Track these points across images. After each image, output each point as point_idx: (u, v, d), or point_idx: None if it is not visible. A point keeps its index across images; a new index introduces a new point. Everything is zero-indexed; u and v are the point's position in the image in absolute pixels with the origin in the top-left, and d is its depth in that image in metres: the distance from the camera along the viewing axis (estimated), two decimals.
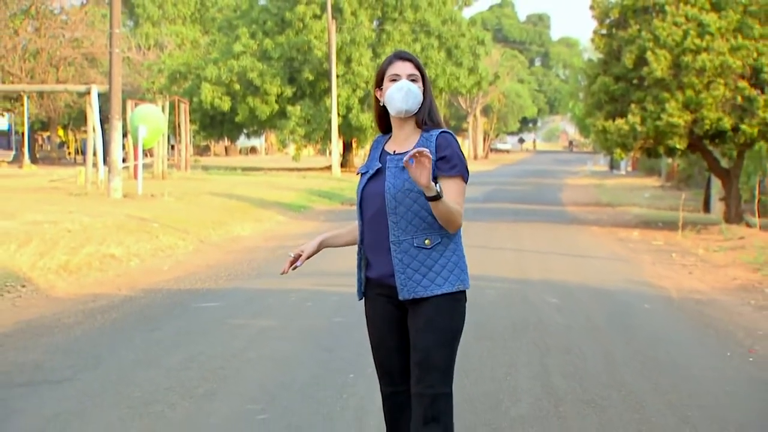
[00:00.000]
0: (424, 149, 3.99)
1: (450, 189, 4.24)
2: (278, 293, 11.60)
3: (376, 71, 4.45)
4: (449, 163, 4.27)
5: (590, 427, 6.33)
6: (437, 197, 4.13)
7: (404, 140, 4.38)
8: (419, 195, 4.21)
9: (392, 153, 4.37)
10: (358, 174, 4.50)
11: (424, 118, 4.38)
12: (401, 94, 4.26)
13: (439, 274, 4.29)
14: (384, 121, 4.48)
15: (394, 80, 4.32)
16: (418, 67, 4.37)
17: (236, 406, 6.74)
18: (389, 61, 4.40)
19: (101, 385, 7.25)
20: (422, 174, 4.02)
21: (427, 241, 4.26)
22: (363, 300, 4.54)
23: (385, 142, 4.48)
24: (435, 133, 4.35)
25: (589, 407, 6.83)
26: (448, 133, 4.34)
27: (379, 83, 4.41)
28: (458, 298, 4.36)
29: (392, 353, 4.43)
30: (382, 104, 4.40)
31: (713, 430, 6.33)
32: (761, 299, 12.26)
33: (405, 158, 4.05)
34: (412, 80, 4.32)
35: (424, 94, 4.35)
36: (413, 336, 4.33)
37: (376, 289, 4.43)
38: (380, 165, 4.37)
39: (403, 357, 4.40)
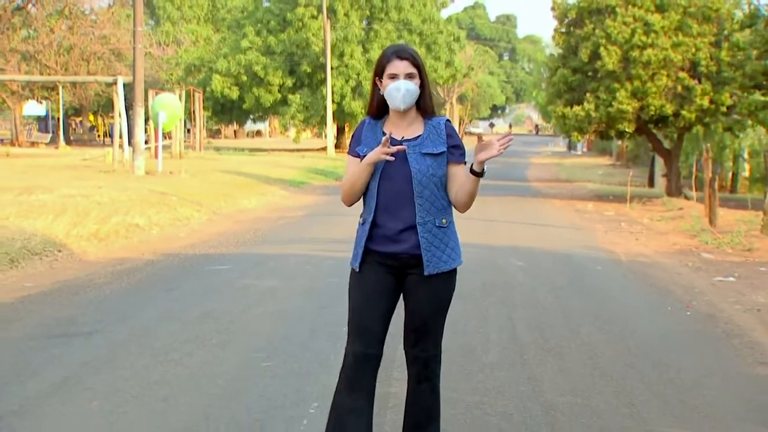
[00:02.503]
0: (510, 137, 3.96)
1: (462, 173, 4.18)
2: (281, 257, 11.60)
3: (377, 62, 4.21)
4: (460, 150, 4.19)
5: (550, 372, 6.35)
6: (483, 174, 4.09)
7: (407, 126, 4.20)
8: (440, 180, 4.13)
9: (400, 138, 4.15)
10: (358, 155, 4.19)
11: (428, 108, 4.22)
12: (400, 95, 4.09)
13: (454, 250, 4.21)
14: (383, 107, 4.24)
15: (393, 78, 4.12)
16: (415, 63, 4.15)
17: (244, 354, 6.75)
18: (388, 59, 4.16)
19: (127, 337, 7.25)
20: (491, 153, 3.98)
21: (444, 221, 4.16)
22: (353, 271, 4.24)
23: (381, 126, 4.26)
24: (440, 121, 4.23)
25: (549, 355, 6.85)
26: (449, 121, 4.27)
27: (379, 74, 4.19)
28: (455, 273, 4.28)
29: (378, 318, 4.17)
30: (382, 93, 4.18)
31: (655, 374, 6.37)
32: (697, 261, 12.31)
33: (500, 139, 3.94)
34: (410, 77, 4.12)
35: (422, 86, 4.17)
36: (413, 304, 4.21)
37: (381, 260, 4.16)
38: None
39: (384, 323, 4.20)
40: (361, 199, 4.28)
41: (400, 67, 4.12)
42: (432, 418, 4.26)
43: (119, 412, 5.34)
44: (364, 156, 4.13)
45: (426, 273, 4.14)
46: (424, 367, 4.23)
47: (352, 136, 4.29)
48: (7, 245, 11.16)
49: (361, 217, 4.26)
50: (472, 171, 4.11)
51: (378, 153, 4.03)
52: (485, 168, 4.08)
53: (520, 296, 9.31)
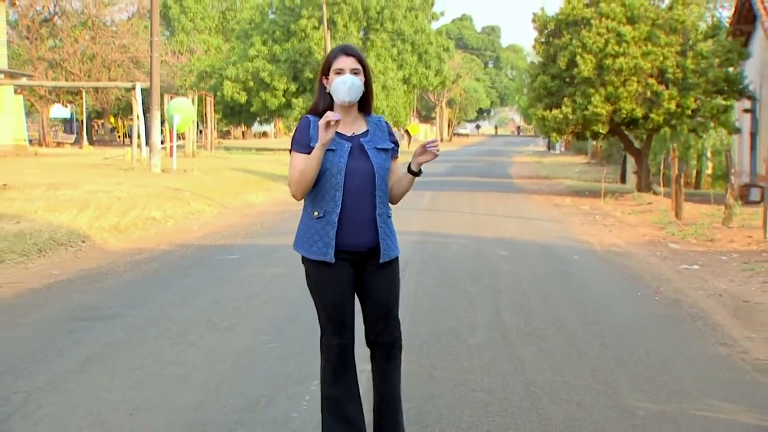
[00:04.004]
0: (436, 141, 4.00)
1: (398, 169, 4.16)
2: (285, 247, 11.52)
3: (324, 61, 4.07)
4: (397, 147, 4.14)
5: (531, 353, 6.36)
6: (420, 174, 4.10)
7: (351, 123, 4.05)
8: (388, 173, 4.06)
9: (350, 134, 4.01)
10: (308, 152, 3.91)
11: (369, 107, 4.11)
12: (345, 87, 3.93)
13: (396, 240, 4.14)
14: (329, 105, 4.02)
15: (339, 73, 3.97)
16: (360, 60, 3.99)
17: (251, 337, 6.75)
18: (335, 55, 4.00)
19: (145, 320, 7.25)
20: (428, 157, 4.01)
21: (390, 212, 4.11)
22: (314, 265, 4.02)
23: None
24: (380, 119, 4.15)
25: (530, 337, 6.86)
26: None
27: (325, 72, 4.04)
28: (398, 260, 4.19)
29: (351, 310, 4.04)
30: (328, 91, 4.03)
31: (626, 353, 6.37)
32: (665, 251, 12.32)
33: (432, 145, 3.98)
34: (355, 73, 3.98)
35: (366, 84, 4.01)
36: (376, 294, 4.07)
37: (342, 255, 3.97)
38: (351, 144, 3.98)
39: (353, 313, 4.07)
40: (309, 194, 4.03)
41: (346, 62, 3.98)
42: (398, 393, 4.19)
43: (138, 388, 5.34)
44: (330, 150, 3.95)
45: (381, 261, 4.02)
46: (391, 348, 4.13)
47: (297, 134, 3.99)
48: (35, 236, 11.15)
49: (312, 211, 4.01)
50: (410, 171, 4.08)
51: (321, 129, 3.81)
52: (422, 168, 4.10)
53: (504, 283, 9.31)
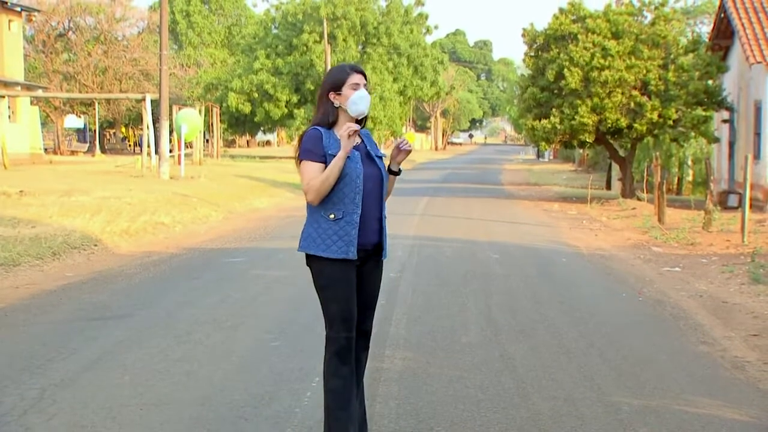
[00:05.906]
0: (403, 139, 4.11)
1: None
2: (288, 251, 11.55)
3: (332, 78, 4.07)
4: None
5: (522, 350, 6.35)
6: (400, 173, 4.19)
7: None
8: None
9: (356, 144, 4.03)
10: (324, 160, 3.98)
11: (367, 119, 4.20)
12: (365, 102, 4.02)
13: None
14: (336, 119, 4.06)
15: (356, 88, 4.02)
16: (365, 77, 4.12)
17: (256, 335, 6.74)
18: (348, 73, 4.03)
19: (154, 320, 7.24)
20: (403, 156, 4.14)
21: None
22: (331, 263, 4.01)
23: (335, 134, 4.06)
24: (367, 131, 4.20)
25: (521, 335, 6.85)
26: None
27: (336, 88, 4.04)
28: None
29: (355, 305, 4.07)
30: (337, 105, 4.05)
31: (611, 351, 6.37)
32: (648, 254, 12.33)
33: (404, 144, 4.09)
34: (365, 88, 4.09)
35: None
36: (369, 287, 4.15)
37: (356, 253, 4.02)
38: (359, 152, 4.03)
39: (356, 307, 4.11)
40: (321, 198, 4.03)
41: (360, 78, 4.06)
42: (363, 373, 4.28)
43: (148, 385, 5.33)
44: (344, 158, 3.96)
45: (384, 258, 4.15)
46: (368, 337, 4.24)
47: (309, 145, 4.01)
48: (50, 240, 11.14)
49: (327, 214, 4.00)
50: (390, 171, 4.17)
51: (345, 139, 3.90)
52: (401, 168, 4.20)
53: (495, 284, 9.30)
